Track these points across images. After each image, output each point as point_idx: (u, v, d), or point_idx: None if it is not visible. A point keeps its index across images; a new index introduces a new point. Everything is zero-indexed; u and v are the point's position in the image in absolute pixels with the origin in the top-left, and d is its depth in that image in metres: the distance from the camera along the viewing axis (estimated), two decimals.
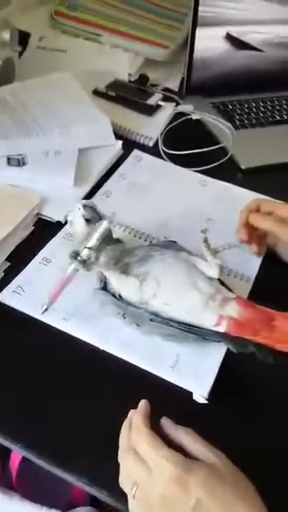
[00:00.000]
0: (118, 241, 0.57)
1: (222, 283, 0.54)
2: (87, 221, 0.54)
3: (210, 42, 0.88)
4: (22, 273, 0.59)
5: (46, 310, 0.53)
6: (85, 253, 0.52)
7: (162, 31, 1.00)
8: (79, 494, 0.76)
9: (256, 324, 0.49)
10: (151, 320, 0.50)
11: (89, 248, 0.52)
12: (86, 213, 0.54)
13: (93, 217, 0.55)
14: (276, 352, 0.48)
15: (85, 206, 0.55)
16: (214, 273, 0.52)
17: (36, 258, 0.61)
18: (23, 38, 0.94)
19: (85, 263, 0.52)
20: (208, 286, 0.51)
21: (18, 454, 0.72)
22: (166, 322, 0.50)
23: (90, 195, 0.70)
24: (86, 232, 0.54)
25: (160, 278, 0.52)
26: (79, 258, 0.52)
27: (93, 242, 0.52)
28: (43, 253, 0.61)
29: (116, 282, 0.53)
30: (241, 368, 0.53)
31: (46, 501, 0.70)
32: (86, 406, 0.50)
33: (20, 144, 0.72)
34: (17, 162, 0.70)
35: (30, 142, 0.72)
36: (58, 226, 0.65)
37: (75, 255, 0.52)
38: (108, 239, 0.55)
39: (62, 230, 0.64)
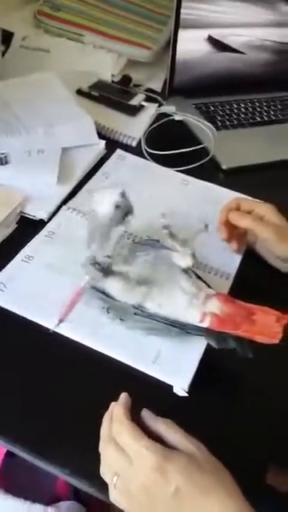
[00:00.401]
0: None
1: (201, 279, 0.55)
2: (116, 207, 0.55)
3: (192, 44, 0.89)
4: (4, 270, 0.59)
5: (61, 322, 0.54)
6: (104, 260, 0.54)
7: (144, 32, 1.01)
8: (62, 488, 0.77)
9: (237, 318, 0.50)
10: (135, 314, 0.51)
11: (107, 256, 0.53)
12: (121, 200, 0.55)
13: (124, 205, 0.56)
14: (256, 344, 0.50)
15: (123, 195, 0.55)
16: (186, 262, 0.53)
17: (19, 255, 0.61)
18: (6, 37, 0.95)
19: (104, 270, 0.53)
20: (190, 286, 0.52)
21: (0, 450, 0.73)
22: (150, 316, 0.51)
23: (73, 193, 0.71)
24: (109, 217, 0.55)
25: (150, 282, 0.53)
26: (97, 265, 0.53)
27: (110, 249, 0.54)
28: (26, 250, 0.62)
29: (120, 289, 0.53)
30: (220, 362, 0.55)
31: (30, 496, 0.71)
32: (69, 399, 0.50)
33: (3, 143, 0.72)
34: (0, 160, 0.70)
35: (13, 141, 0.73)
36: (41, 224, 0.65)
37: (94, 263, 0.53)
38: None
39: (45, 228, 0.65)
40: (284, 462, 0.50)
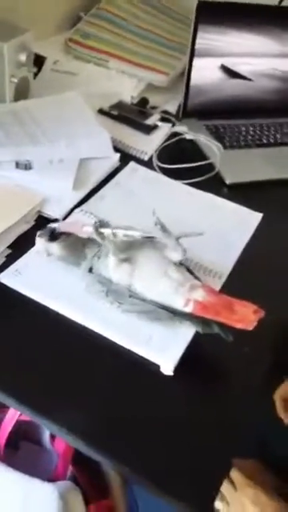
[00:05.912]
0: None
1: (191, 272, 0.61)
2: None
3: (205, 72, 0.98)
4: (20, 259, 0.67)
5: None
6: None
7: (163, 60, 1.10)
8: (61, 471, 0.82)
9: (218, 307, 0.56)
10: (130, 296, 0.58)
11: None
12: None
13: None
14: (235, 330, 0.56)
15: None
16: (177, 256, 0.59)
17: (34, 247, 0.69)
18: (39, 61, 1.05)
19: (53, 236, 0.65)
20: (177, 275, 0.58)
21: (6, 426, 0.79)
22: (143, 299, 0.58)
23: (86, 198, 0.79)
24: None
25: (139, 267, 0.59)
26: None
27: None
28: None
29: (112, 267, 0.60)
30: (205, 349, 0.60)
31: (30, 472, 0.77)
32: (69, 371, 0.57)
33: (28, 151, 0.81)
34: (24, 166, 0.79)
35: (37, 150, 0.82)
36: (56, 222, 0.73)
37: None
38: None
39: None
40: None
